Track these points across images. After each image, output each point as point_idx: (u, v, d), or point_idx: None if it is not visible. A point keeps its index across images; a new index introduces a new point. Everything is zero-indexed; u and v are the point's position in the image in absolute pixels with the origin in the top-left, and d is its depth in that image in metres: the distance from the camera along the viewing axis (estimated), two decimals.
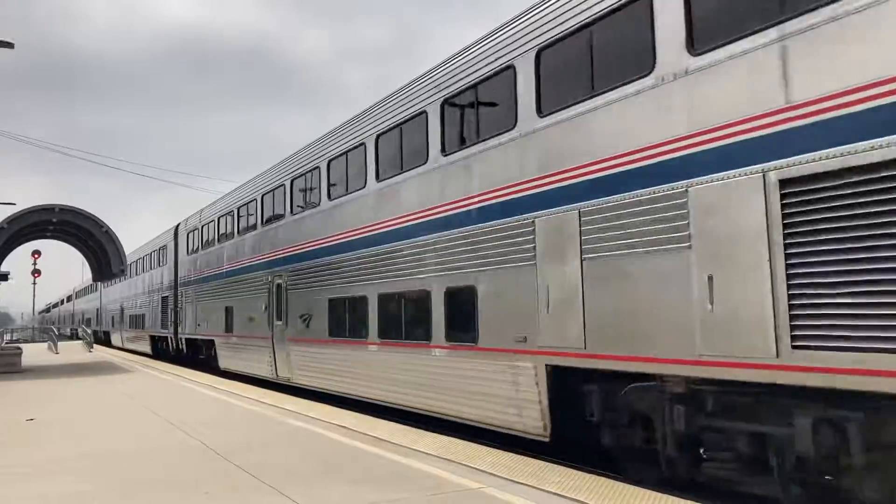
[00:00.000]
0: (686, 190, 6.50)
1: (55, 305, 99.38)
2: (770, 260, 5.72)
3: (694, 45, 6.54)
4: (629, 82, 7.21)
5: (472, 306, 9.43)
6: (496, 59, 9.28)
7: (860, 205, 5.18)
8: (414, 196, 11.16)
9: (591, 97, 7.69)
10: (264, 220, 17.92)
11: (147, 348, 32.00)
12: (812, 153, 5.49)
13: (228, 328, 20.07)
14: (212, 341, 21.88)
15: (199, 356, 23.54)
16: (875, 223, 5.09)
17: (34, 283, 57.97)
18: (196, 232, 24.46)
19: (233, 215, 20.39)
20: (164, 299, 28.22)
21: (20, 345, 35.51)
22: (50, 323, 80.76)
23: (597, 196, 7.53)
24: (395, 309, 11.50)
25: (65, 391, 16.23)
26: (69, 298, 79.86)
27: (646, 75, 7.01)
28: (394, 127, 11.79)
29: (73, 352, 34.90)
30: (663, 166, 6.76)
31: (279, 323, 16.30)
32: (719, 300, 6.13)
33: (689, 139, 6.54)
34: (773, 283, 5.69)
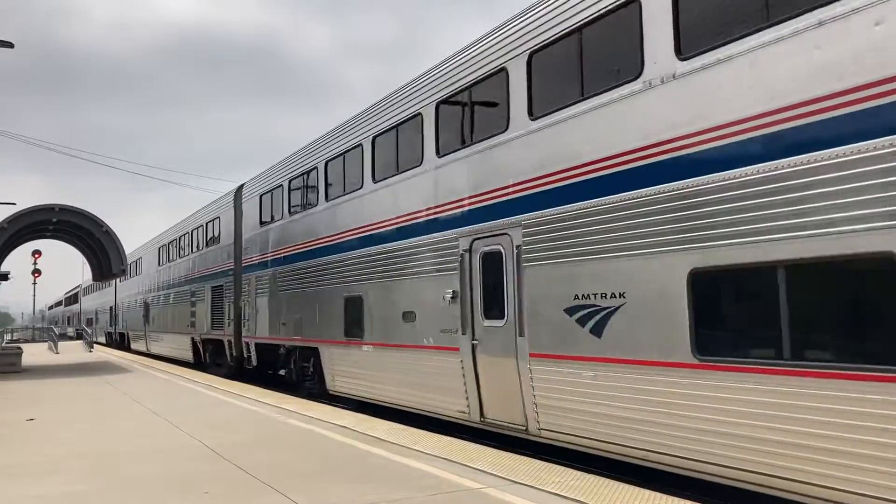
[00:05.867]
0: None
1: (53, 307, 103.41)
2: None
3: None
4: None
5: (194, 313, 24.19)
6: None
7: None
8: (189, 265, 26.26)
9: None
10: (147, 267, 33.12)
11: (104, 339, 47.70)
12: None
13: (132, 326, 36.52)
14: (127, 334, 38.55)
15: (125, 342, 39.29)
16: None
17: (34, 283, 58.02)
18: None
19: (140, 261, 35.37)
20: (111, 308, 44.16)
21: (20, 344, 37.45)
22: (50, 321, 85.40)
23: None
24: (180, 313, 25.95)
25: (65, 391, 16.35)
26: (60, 304, 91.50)
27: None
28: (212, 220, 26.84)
29: (72, 351, 35.58)
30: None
31: (147, 323, 32.17)
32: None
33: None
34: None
